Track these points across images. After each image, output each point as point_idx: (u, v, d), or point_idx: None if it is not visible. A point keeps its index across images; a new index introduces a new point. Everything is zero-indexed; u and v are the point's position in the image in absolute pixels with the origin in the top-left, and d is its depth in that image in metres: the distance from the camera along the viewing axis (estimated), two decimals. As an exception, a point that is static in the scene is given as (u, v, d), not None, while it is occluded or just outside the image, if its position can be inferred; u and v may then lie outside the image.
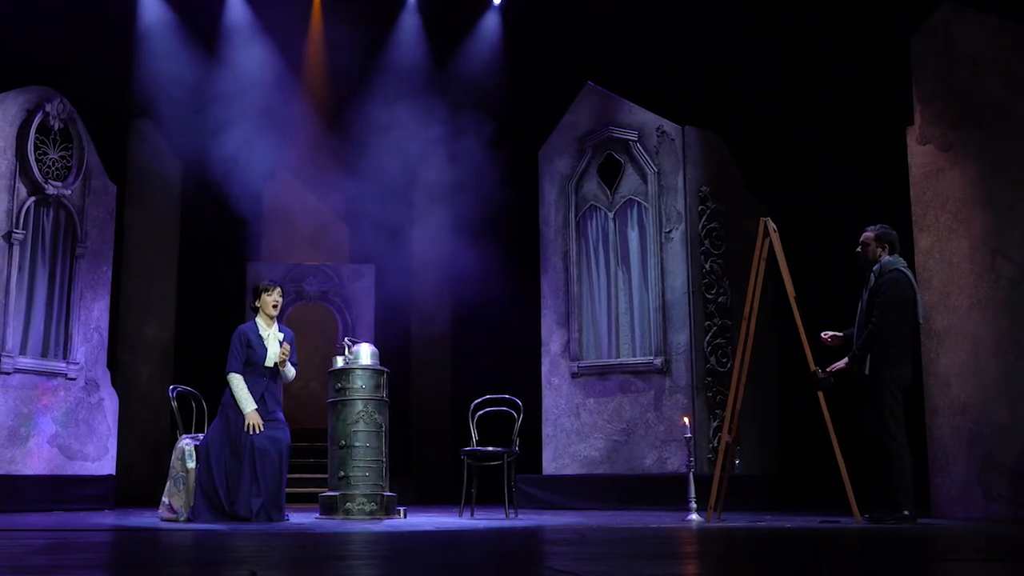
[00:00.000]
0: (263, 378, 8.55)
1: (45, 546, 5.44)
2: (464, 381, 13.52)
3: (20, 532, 6.88)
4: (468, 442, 9.47)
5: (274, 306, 8.71)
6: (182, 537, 6.46)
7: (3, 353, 10.23)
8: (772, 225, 8.40)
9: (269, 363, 8.56)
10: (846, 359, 7.99)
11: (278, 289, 8.81)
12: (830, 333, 8.07)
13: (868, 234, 8.02)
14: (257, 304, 8.77)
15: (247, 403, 8.37)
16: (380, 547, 5.52)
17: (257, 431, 8.27)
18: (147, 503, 12.10)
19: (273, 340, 8.63)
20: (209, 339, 13.37)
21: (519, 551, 5.18)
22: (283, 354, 8.52)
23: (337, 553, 5.12)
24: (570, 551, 5.10)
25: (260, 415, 8.36)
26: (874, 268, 7.91)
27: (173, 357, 13.72)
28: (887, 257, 7.92)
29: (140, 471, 12.76)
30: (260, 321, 8.71)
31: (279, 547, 5.49)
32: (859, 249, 8.06)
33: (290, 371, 8.68)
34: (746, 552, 5.29)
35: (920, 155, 9.01)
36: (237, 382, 8.46)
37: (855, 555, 5.11)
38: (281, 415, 8.61)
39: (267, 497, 8.19)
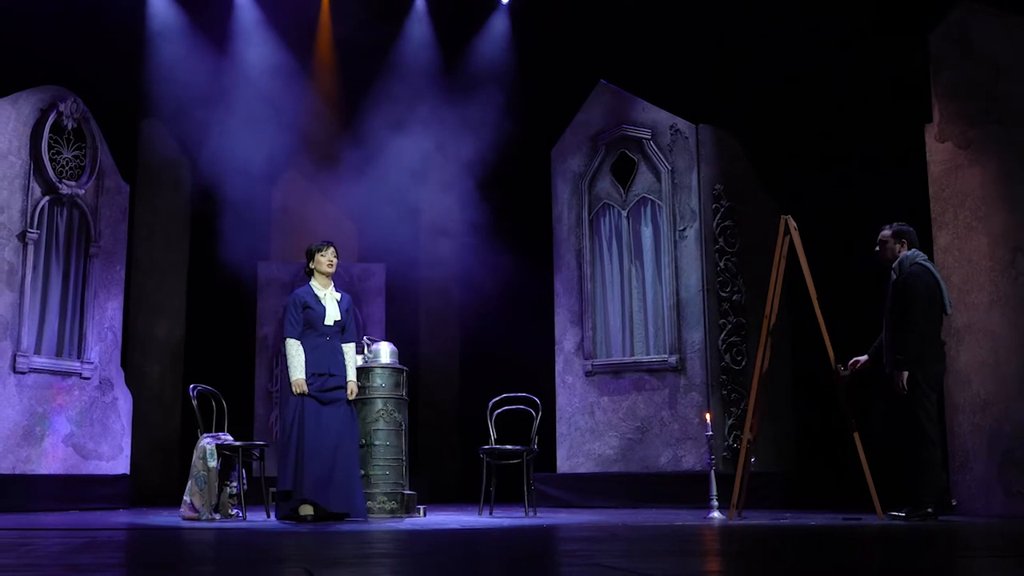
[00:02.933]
0: (325, 338, 8.38)
1: (82, 545, 5.43)
2: (475, 380, 13.52)
3: (50, 532, 6.86)
4: (476, 441, 9.48)
5: (329, 265, 8.51)
6: (211, 536, 6.45)
7: (18, 353, 10.21)
8: (792, 223, 8.41)
9: (329, 321, 8.37)
10: (867, 355, 8.05)
11: (332, 248, 8.59)
12: (856, 361, 8.09)
13: (885, 232, 8.10)
14: (311, 266, 8.56)
15: (295, 370, 8.20)
16: (417, 545, 5.52)
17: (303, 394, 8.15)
18: (158, 502, 12.10)
19: (330, 299, 8.47)
20: (220, 338, 13.41)
21: (558, 548, 5.18)
22: (353, 392, 8.44)
23: (376, 551, 5.11)
24: (607, 548, 5.10)
25: (321, 385, 8.21)
26: (894, 265, 7.96)
27: (183, 356, 13.70)
28: (906, 252, 7.96)
29: (149, 470, 12.73)
30: (315, 283, 8.52)
31: (312, 546, 5.49)
32: (877, 248, 8.15)
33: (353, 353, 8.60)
34: (780, 550, 5.30)
35: (938, 152, 9.02)
36: (292, 348, 8.28)
37: (885, 552, 5.12)
38: (343, 390, 8.34)
39: (324, 486, 8.01)
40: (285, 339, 8.38)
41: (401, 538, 6.07)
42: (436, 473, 13.76)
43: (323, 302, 8.43)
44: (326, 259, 8.52)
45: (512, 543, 5.64)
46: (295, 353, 8.26)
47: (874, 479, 7.95)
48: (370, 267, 13.72)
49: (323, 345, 8.35)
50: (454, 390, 14.64)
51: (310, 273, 8.59)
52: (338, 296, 8.56)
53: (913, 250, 7.99)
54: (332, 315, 8.41)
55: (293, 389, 8.19)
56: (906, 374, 7.71)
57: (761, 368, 8.33)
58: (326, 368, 8.31)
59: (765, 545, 5.53)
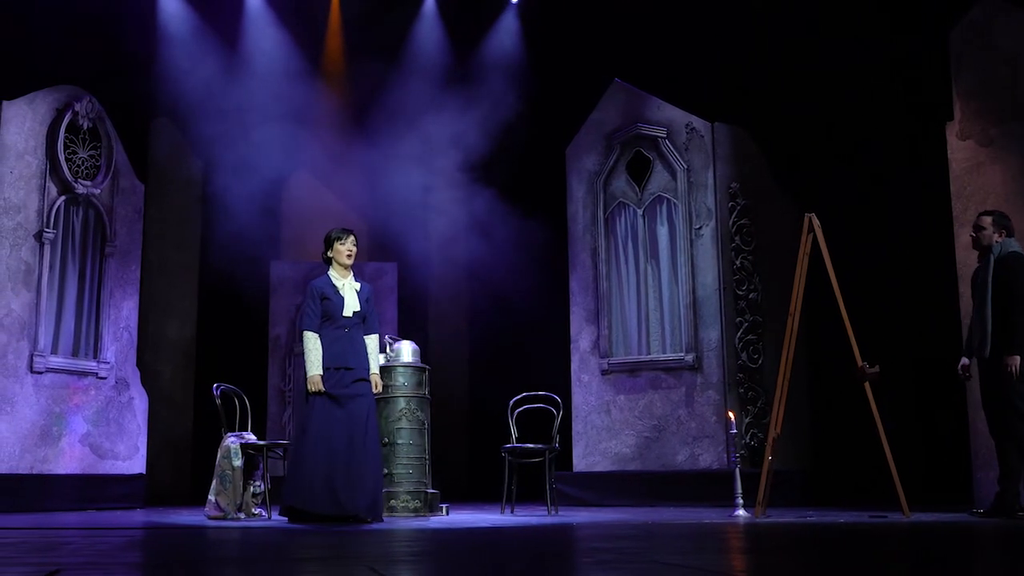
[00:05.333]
0: (344, 330, 8.01)
1: (125, 544, 5.42)
2: (487, 379, 13.53)
3: (85, 531, 6.84)
4: (487, 440, 9.47)
5: (348, 255, 8.12)
6: (250, 536, 6.44)
7: (35, 352, 10.19)
8: (816, 221, 8.41)
9: (347, 312, 8.00)
10: (965, 359, 7.99)
11: (352, 237, 8.21)
12: (965, 366, 8.03)
13: (986, 218, 7.93)
14: (329, 254, 8.19)
15: (311, 366, 7.87)
16: (460, 543, 5.51)
17: (319, 395, 7.82)
18: (170, 502, 12.11)
19: (349, 290, 8.09)
20: (231, 338, 13.39)
21: (603, 545, 5.18)
22: (378, 385, 8.13)
23: (419, 549, 5.11)
24: (651, 546, 5.09)
25: (338, 380, 7.86)
26: (993, 251, 7.84)
27: (195, 356, 13.68)
28: (1005, 239, 7.86)
29: (161, 470, 12.71)
30: (334, 272, 8.15)
31: (357, 544, 5.48)
32: (973, 234, 8.00)
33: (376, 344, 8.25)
34: (825, 546, 5.30)
35: (960, 150, 9.04)
36: (309, 342, 7.95)
37: (930, 549, 5.13)
38: (366, 383, 8.00)
39: (344, 488, 7.70)
40: (302, 332, 8.05)
41: (438, 537, 6.07)
42: (447, 472, 13.75)
43: (341, 292, 8.07)
44: (345, 248, 8.16)
45: (554, 541, 5.64)
46: (312, 347, 7.92)
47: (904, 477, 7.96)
48: (382, 266, 13.71)
49: (342, 338, 7.99)
50: (466, 389, 14.64)
51: (328, 262, 8.24)
52: (357, 286, 8.19)
53: (1011, 238, 7.89)
54: (351, 306, 8.04)
55: (308, 386, 7.88)
56: (1019, 358, 7.60)
57: (786, 365, 8.32)
58: (343, 362, 7.94)
59: (807, 542, 5.53)
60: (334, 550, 5.02)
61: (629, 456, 11.09)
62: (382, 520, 7.92)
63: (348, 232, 8.26)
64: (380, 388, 8.22)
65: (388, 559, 4.41)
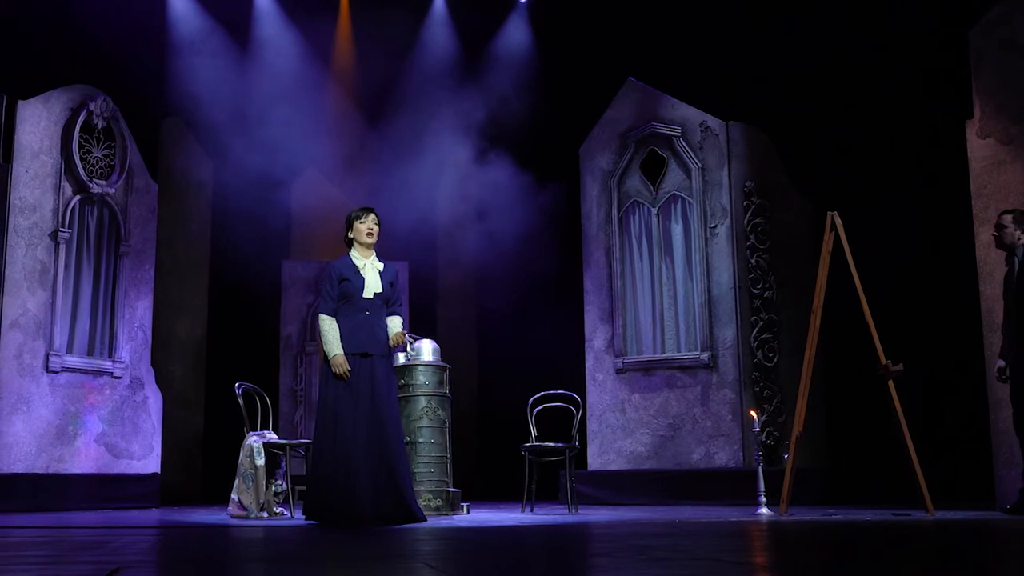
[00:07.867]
0: (364, 313, 7.54)
1: (159, 543, 5.40)
2: (498, 378, 13.51)
3: (112, 530, 6.82)
4: (497, 439, 9.44)
5: (368, 234, 7.68)
6: (282, 534, 6.42)
7: (51, 352, 10.17)
8: (838, 220, 8.40)
9: (368, 293, 7.55)
10: (1002, 362, 7.96)
11: (373, 215, 7.77)
12: (1002, 368, 8.00)
13: (1007, 216, 7.92)
14: (350, 235, 7.78)
15: (331, 347, 7.43)
16: (496, 542, 5.50)
17: (345, 378, 7.35)
18: (183, 501, 12.10)
19: (371, 270, 7.65)
20: (242, 338, 13.38)
21: (645, 543, 5.17)
22: (399, 338, 7.58)
23: (462, 548, 5.10)
24: (694, 543, 5.09)
25: (354, 365, 7.39)
26: (1017, 253, 7.83)
27: (205, 356, 13.66)
28: None
29: (173, 469, 12.68)
30: (355, 253, 7.71)
31: (387, 542, 5.46)
32: (995, 232, 7.99)
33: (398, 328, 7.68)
34: (862, 544, 5.29)
35: (980, 148, 9.04)
36: (325, 324, 7.51)
37: (966, 547, 5.12)
38: (388, 369, 7.56)
39: (382, 488, 7.27)
40: (318, 315, 7.63)
41: (471, 536, 6.05)
42: (457, 471, 13.72)
43: (362, 272, 7.61)
44: (365, 227, 7.71)
45: (590, 539, 5.63)
46: (328, 328, 7.46)
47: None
48: (392, 265, 13.68)
49: (361, 322, 7.51)
50: (476, 388, 14.63)
51: (349, 244, 7.81)
52: (380, 266, 7.75)
53: None
54: (372, 287, 7.57)
55: (332, 368, 7.39)
56: None
57: (809, 364, 8.32)
58: (362, 347, 7.46)
59: (846, 540, 5.52)
60: (373, 548, 5.01)
61: (644, 455, 11.08)
62: (414, 520, 7.35)
63: (368, 210, 7.84)
64: (403, 341, 7.71)
65: (439, 556, 4.40)
